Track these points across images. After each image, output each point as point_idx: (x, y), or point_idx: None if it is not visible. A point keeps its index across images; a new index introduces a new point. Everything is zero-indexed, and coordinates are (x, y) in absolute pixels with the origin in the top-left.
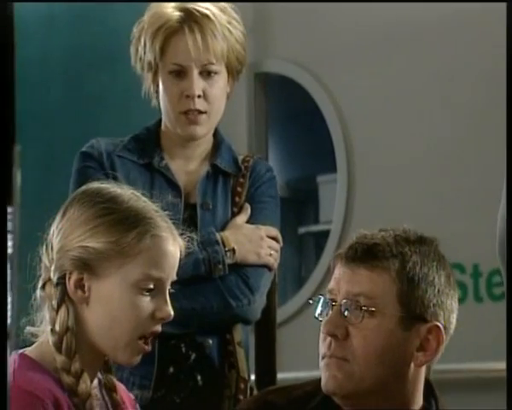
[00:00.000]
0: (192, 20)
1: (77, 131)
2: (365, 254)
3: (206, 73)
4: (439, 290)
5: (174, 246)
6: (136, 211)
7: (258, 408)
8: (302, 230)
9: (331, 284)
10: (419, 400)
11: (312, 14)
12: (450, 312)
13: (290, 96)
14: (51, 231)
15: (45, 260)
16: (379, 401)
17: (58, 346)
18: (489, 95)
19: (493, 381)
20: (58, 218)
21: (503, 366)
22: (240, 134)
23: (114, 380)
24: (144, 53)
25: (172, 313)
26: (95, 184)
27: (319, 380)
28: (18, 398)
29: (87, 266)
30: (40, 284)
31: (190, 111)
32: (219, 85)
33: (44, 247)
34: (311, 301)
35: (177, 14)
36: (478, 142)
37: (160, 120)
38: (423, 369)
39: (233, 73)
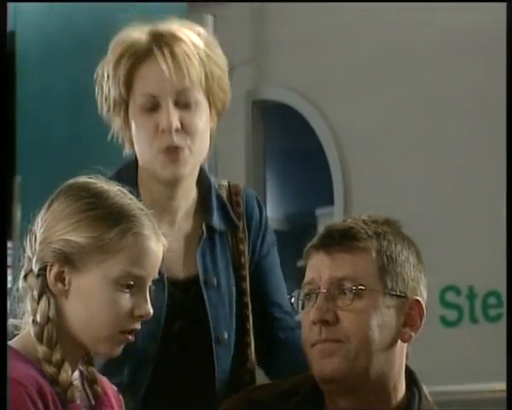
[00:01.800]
0: (162, 43)
1: (79, 161)
2: (343, 238)
3: (184, 103)
4: (413, 266)
5: (157, 245)
6: (121, 208)
7: (243, 406)
8: (301, 263)
9: (309, 276)
10: (402, 387)
11: (310, 41)
12: (424, 287)
13: (289, 124)
14: (36, 223)
15: (28, 250)
16: (369, 382)
17: (39, 336)
18: (488, 123)
19: (490, 402)
20: (43, 210)
21: (499, 386)
22: (237, 163)
23: (96, 372)
24: (109, 89)
25: (152, 311)
26: (82, 179)
27: (303, 375)
28: None
29: (68, 259)
30: (22, 274)
31: (169, 148)
32: (200, 117)
33: (28, 238)
34: (292, 299)
35: (143, 37)
36: (476, 167)
37: (136, 166)
38: (404, 353)
39: (216, 104)
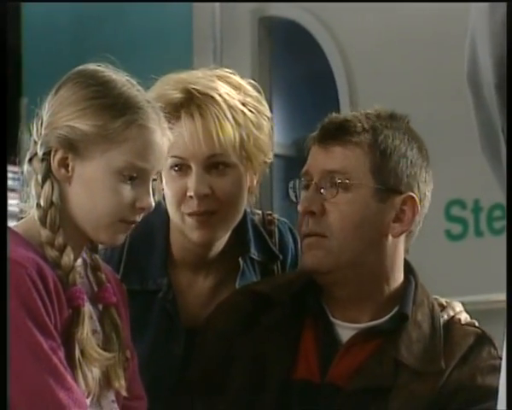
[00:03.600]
0: (192, 104)
1: None
2: (337, 132)
3: (214, 168)
4: (411, 162)
5: (161, 139)
6: (127, 99)
7: (244, 297)
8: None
9: (305, 167)
10: (399, 275)
11: None
12: (424, 184)
13: (296, 43)
14: (43, 107)
15: (34, 134)
16: (359, 274)
17: (43, 220)
18: None
19: (493, 312)
20: (51, 95)
21: (502, 297)
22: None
23: (99, 260)
24: None
25: (153, 204)
26: (91, 66)
27: (299, 269)
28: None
29: (72, 146)
30: (27, 157)
31: (197, 213)
32: (232, 180)
33: (35, 121)
34: (289, 188)
35: (175, 96)
36: None
37: (168, 217)
38: (401, 244)
39: (253, 164)
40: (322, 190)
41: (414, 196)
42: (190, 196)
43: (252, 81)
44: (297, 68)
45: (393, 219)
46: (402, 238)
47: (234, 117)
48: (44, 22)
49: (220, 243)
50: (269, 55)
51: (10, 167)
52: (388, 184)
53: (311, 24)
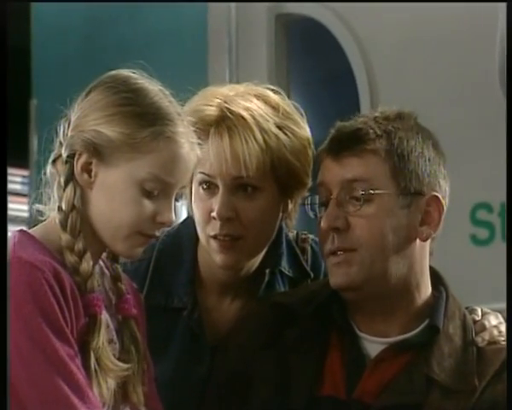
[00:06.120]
0: (222, 123)
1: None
2: (350, 141)
3: (242, 188)
4: (429, 160)
5: (189, 153)
6: (158, 109)
7: (265, 308)
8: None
9: (320, 179)
10: (428, 282)
11: None
12: (444, 181)
13: (314, 40)
14: (72, 108)
15: (60, 135)
16: (390, 284)
17: (63, 224)
18: None
19: None
20: (81, 97)
21: None
22: (260, 81)
23: (120, 270)
24: None
25: (174, 219)
26: (125, 72)
27: (323, 280)
28: (18, 269)
29: (97, 151)
30: (51, 158)
31: (219, 236)
32: (261, 204)
33: (62, 122)
34: (305, 204)
35: (208, 113)
36: None
37: (196, 243)
38: (428, 248)
39: (286, 190)
40: (343, 204)
41: (437, 195)
42: (214, 218)
43: (295, 103)
44: (315, 67)
45: (420, 223)
46: (428, 242)
47: (265, 140)
48: (55, 23)
49: (252, 264)
50: (286, 53)
51: (19, 171)
52: (410, 187)
53: (329, 21)
